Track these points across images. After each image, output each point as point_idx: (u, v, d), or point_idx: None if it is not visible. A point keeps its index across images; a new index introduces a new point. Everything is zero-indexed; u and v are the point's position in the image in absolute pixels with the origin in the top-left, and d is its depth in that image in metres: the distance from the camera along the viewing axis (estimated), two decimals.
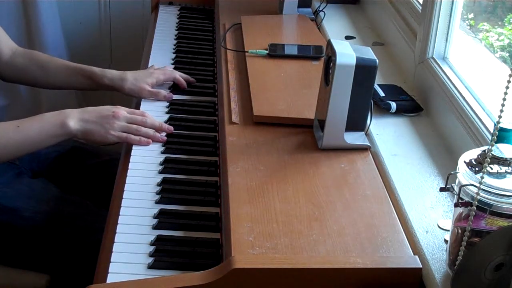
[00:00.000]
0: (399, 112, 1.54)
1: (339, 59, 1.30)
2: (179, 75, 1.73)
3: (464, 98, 1.42)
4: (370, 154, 1.38)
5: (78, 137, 1.47)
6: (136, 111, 1.54)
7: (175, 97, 1.69)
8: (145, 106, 1.64)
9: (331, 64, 1.33)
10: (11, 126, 1.44)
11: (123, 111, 1.49)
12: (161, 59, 1.89)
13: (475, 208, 0.95)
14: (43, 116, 1.46)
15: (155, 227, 1.23)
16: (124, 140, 1.47)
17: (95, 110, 1.47)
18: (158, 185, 1.35)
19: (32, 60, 1.76)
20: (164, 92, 1.67)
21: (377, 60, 1.33)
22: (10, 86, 2.47)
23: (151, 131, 1.49)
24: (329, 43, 1.36)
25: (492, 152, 0.97)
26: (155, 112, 1.59)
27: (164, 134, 1.51)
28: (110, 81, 1.68)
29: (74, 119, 1.44)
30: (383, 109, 1.54)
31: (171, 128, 1.52)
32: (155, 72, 1.71)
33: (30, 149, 1.47)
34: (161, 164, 1.42)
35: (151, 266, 1.13)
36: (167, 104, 1.65)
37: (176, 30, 2.11)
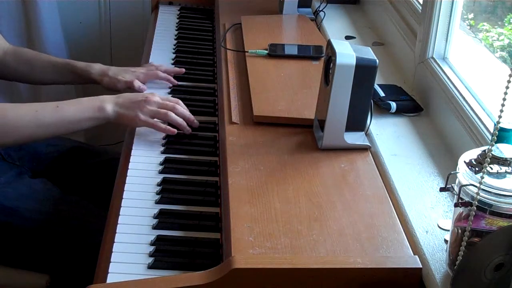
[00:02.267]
0: (399, 112, 1.54)
1: (339, 59, 1.30)
2: (163, 75, 1.73)
3: (464, 98, 1.42)
4: (370, 154, 1.38)
5: (111, 121, 1.48)
6: (171, 98, 1.56)
7: (175, 97, 1.69)
8: None
9: (331, 64, 1.33)
10: (50, 105, 1.46)
11: (156, 97, 1.51)
12: (161, 59, 1.89)
13: (475, 208, 0.95)
14: (81, 100, 1.49)
15: (155, 227, 1.23)
16: (151, 126, 1.48)
17: (129, 95, 1.51)
18: (158, 185, 1.35)
19: (20, 57, 1.78)
20: (139, 82, 1.69)
21: (377, 60, 1.33)
22: (10, 86, 2.48)
23: (179, 119, 1.50)
24: (329, 43, 1.36)
25: (492, 152, 0.97)
26: None
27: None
28: (94, 75, 1.72)
29: (110, 103, 1.47)
30: (383, 109, 1.54)
31: (197, 123, 1.54)
32: (136, 71, 1.74)
33: (66, 129, 1.48)
34: (161, 164, 1.42)
35: (151, 266, 1.14)
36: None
37: (176, 30, 2.11)
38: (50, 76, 1.78)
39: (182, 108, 1.52)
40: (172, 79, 1.74)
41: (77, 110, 1.46)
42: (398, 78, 1.73)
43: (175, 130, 1.49)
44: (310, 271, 1.05)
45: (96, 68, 1.73)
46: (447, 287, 1.02)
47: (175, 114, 1.50)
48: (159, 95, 1.53)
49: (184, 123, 1.51)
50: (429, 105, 1.56)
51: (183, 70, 1.79)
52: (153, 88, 1.71)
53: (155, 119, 1.49)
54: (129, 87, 1.70)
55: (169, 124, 1.50)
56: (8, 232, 1.55)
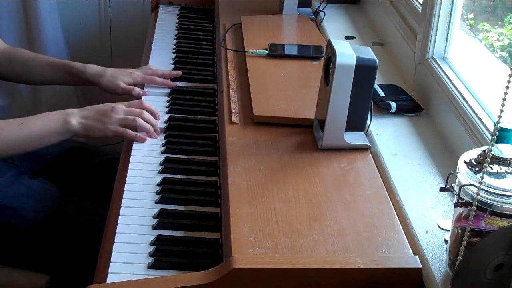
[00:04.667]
0: (399, 112, 1.54)
1: (339, 59, 1.30)
2: (160, 81, 1.73)
3: (464, 98, 1.42)
4: (370, 154, 1.38)
5: (79, 135, 1.49)
6: (134, 102, 1.56)
7: (175, 97, 1.69)
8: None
9: (331, 64, 1.33)
10: (15, 123, 1.46)
11: (121, 105, 1.52)
12: (161, 59, 1.89)
13: (475, 208, 0.95)
14: (46, 115, 1.49)
15: (155, 227, 1.23)
16: (121, 135, 1.49)
17: (95, 107, 1.51)
18: (158, 185, 1.35)
19: (15, 58, 1.79)
20: (138, 89, 1.70)
21: (377, 60, 1.33)
22: (10, 86, 2.47)
23: (147, 125, 1.50)
24: (329, 43, 1.36)
25: (492, 152, 0.97)
26: None
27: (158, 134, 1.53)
28: (90, 76, 1.72)
29: (75, 116, 1.47)
30: (383, 109, 1.54)
31: (159, 132, 1.53)
32: (134, 72, 1.74)
33: (32, 145, 1.48)
34: (161, 164, 1.42)
35: (151, 266, 1.13)
36: (168, 104, 1.65)
37: (176, 30, 2.11)
38: (47, 77, 1.79)
39: (148, 114, 1.52)
40: (170, 83, 1.74)
41: (42, 125, 1.46)
42: (398, 78, 1.73)
43: (146, 138, 1.49)
44: (310, 271, 1.05)
45: (92, 69, 1.73)
46: (447, 287, 1.02)
47: (142, 120, 1.50)
48: (123, 103, 1.53)
49: (152, 129, 1.51)
50: (429, 105, 1.56)
51: (180, 72, 1.79)
52: (151, 89, 1.71)
53: (124, 128, 1.49)
54: (129, 94, 1.70)
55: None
56: (8, 232, 1.55)
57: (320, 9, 2.10)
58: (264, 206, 1.19)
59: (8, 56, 1.78)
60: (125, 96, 1.72)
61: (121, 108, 1.50)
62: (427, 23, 1.60)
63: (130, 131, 1.49)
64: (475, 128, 1.32)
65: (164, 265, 1.14)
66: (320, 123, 1.40)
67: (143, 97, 1.66)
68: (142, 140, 1.49)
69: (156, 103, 1.65)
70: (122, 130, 1.48)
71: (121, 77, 1.72)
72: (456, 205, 1.00)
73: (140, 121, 1.50)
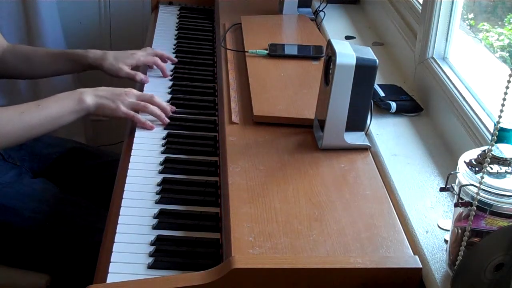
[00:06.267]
0: (399, 112, 1.54)
1: (339, 59, 1.30)
2: (160, 61, 1.78)
3: (464, 98, 1.42)
4: (370, 154, 1.38)
5: (92, 112, 1.51)
6: (146, 95, 1.59)
7: (175, 97, 1.69)
8: None
9: (331, 64, 1.33)
10: (32, 106, 1.48)
11: (134, 90, 1.56)
12: None
13: (475, 208, 0.95)
14: (60, 95, 1.51)
15: (155, 227, 1.23)
16: (131, 118, 1.52)
17: (109, 88, 1.54)
18: (158, 185, 1.35)
19: (18, 54, 1.80)
20: (141, 75, 1.72)
21: (377, 60, 1.33)
22: (10, 86, 2.48)
23: (158, 110, 1.54)
24: (329, 43, 1.36)
25: (492, 152, 0.97)
26: None
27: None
28: (92, 60, 1.74)
29: (89, 94, 1.50)
30: (383, 109, 1.54)
31: (174, 108, 1.59)
32: (136, 53, 1.77)
33: (52, 126, 1.50)
34: (161, 164, 1.42)
35: (151, 266, 1.13)
36: (168, 103, 1.65)
37: (176, 30, 2.11)
38: (49, 68, 1.80)
39: (158, 101, 1.56)
40: (165, 69, 1.78)
41: (58, 105, 1.48)
42: (398, 78, 1.73)
43: (154, 127, 1.53)
44: (310, 271, 1.05)
45: (93, 53, 1.75)
46: (447, 287, 1.02)
47: (153, 105, 1.54)
48: (135, 90, 1.57)
49: (163, 114, 1.54)
50: (429, 105, 1.56)
51: (176, 60, 1.84)
52: (152, 89, 1.72)
53: (134, 113, 1.52)
54: (131, 79, 1.72)
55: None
56: (8, 232, 1.55)
57: (320, 9, 2.10)
58: (264, 206, 1.19)
59: (12, 53, 1.78)
60: (128, 81, 1.73)
61: (133, 93, 1.54)
62: (427, 23, 1.60)
63: (140, 116, 1.52)
64: (475, 128, 1.32)
65: (164, 265, 1.14)
66: (320, 123, 1.40)
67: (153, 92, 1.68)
68: (150, 128, 1.52)
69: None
70: (132, 113, 1.52)
71: (124, 59, 1.74)
72: (456, 205, 1.00)
73: (151, 107, 1.53)
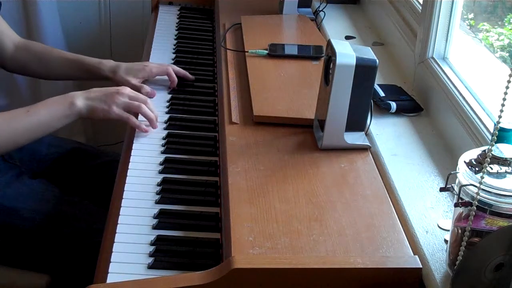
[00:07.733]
0: (399, 112, 1.54)
1: (339, 59, 1.30)
2: (172, 70, 1.73)
3: (464, 98, 1.42)
4: (370, 154, 1.38)
5: (84, 115, 1.48)
6: (140, 94, 1.56)
7: (175, 97, 1.69)
8: None
9: (331, 64, 1.33)
10: (21, 112, 1.46)
11: (127, 89, 1.52)
12: (161, 59, 1.89)
13: (475, 208, 0.95)
14: (50, 100, 1.48)
15: (155, 227, 1.23)
16: (125, 120, 1.49)
17: (100, 89, 1.51)
18: (158, 185, 1.35)
19: (31, 52, 1.78)
20: (147, 88, 1.68)
21: (377, 60, 1.33)
22: (10, 86, 2.48)
23: (150, 113, 1.51)
24: (329, 43, 1.36)
25: (492, 152, 0.97)
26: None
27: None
28: (105, 73, 1.72)
29: (80, 98, 1.48)
30: (383, 109, 1.54)
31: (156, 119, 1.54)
32: (149, 65, 1.73)
33: (41, 132, 1.48)
34: (161, 164, 1.42)
35: (151, 266, 1.13)
36: (167, 104, 1.65)
37: (176, 30, 2.11)
38: (61, 72, 1.78)
39: (151, 104, 1.53)
40: (175, 80, 1.73)
41: (48, 111, 1.46)
42: (398, 78, 1.73)
43: (148, 129, 1.50)
44: (310, 271, 1.05)
45: (108, 65, 1.73)
46: (447, 287, 1.02)
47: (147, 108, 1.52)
48: (128, 88, 1.54)
49: (155, 118, 1.52)
50: (429, 105, 1.56)
51: (193, 77, 1.78)
52: (153, 86, 1.71)
53: (129, 115, 1.49)
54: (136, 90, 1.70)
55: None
56: (8, 232, 1.55)
57: (320, 9, 2.10)
58: (264, 206, 1.19)
59: (24, 50, 1.77)
60: None
61: (126, 92, 1.50)
62: (427, 23, 1.60)
63: (134, 119, 1.49)
64: (475, 128, 1.32)
65: (164, 265, 1.14)
66: (320, 123, 1.40)
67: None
68: (145, 131, 1.50)
69: (156, 103, 1.65)
70: (126, 115, 1.49)
71: (135, 71, 1.71)
72: (456, 205, 1.00)
73: (144, 108, 1.50)
